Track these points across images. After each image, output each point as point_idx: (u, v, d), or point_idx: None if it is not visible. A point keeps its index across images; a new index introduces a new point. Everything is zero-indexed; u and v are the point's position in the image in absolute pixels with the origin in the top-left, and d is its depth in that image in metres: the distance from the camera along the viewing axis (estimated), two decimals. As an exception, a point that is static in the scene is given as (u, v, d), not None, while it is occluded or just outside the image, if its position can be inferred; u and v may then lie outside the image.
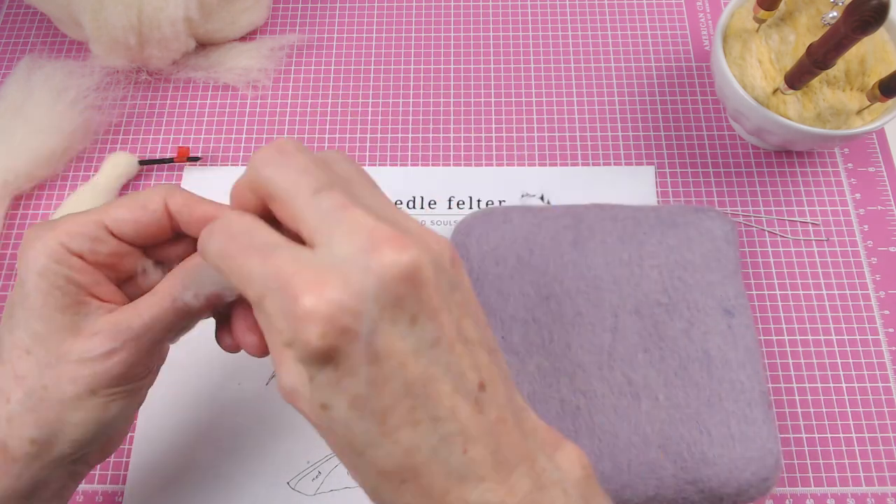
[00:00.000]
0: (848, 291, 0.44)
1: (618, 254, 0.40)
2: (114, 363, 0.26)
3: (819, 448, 0.40)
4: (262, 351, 0.27)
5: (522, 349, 0.38)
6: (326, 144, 0.49)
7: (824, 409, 0.41)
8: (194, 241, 0.27)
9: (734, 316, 0.39)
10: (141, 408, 0.32)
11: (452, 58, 0.52)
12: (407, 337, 0.22)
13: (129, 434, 0.40)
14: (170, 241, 0.29)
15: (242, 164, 0.48)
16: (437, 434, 0.22)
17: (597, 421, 0.36)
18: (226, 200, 0.29)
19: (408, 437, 0.22)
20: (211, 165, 0.48)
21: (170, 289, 0.27)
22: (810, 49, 0.38)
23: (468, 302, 0.24)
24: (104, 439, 0.28)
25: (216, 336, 0.29)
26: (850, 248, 0.45)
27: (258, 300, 0.22)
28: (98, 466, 0.40)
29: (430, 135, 0.49)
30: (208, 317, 0.29)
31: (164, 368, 0.32)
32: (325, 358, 0.21)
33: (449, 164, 0.48)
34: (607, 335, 0.38)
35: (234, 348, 0.28)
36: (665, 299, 0.39)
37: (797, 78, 0.40)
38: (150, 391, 0.31)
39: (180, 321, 0.27)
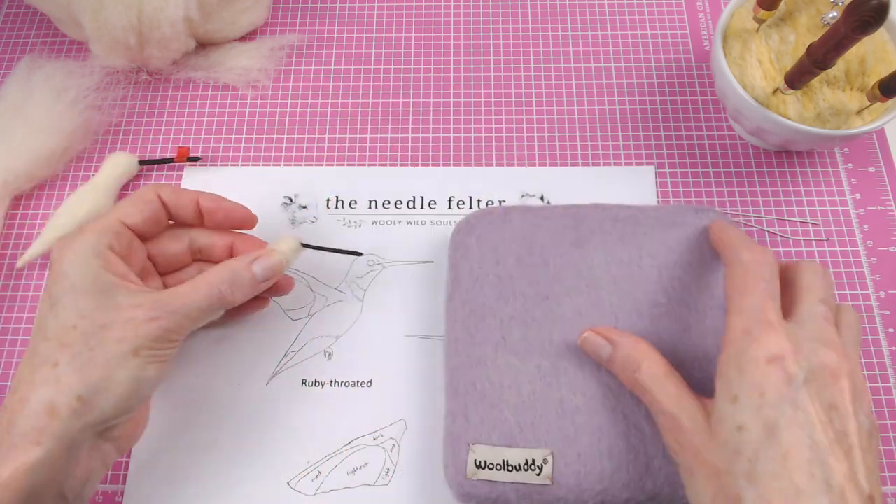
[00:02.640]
0: (848, 291, 0.44)
1: (618, 254, 0.40)
2: (154, 327, 0.32)
3: (819, 448, 0.40)
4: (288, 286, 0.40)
5: (522, 349, 0.38)
6: (326, 144, 0.49)
7: (824, 409, 0.41)
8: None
9: (734, 316, 0.39)
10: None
11: (452, 58, 0.52)
12: (819, 409, 0.27)
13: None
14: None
15: (242, 164, 0.48)
16: (824, 497, 0.26)
17: (596, 421, 0.36)
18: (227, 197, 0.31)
19: (801, 481, 0.26)
20: (211, 165, 0.48)
21: (209, 280, 0.34)
22: (810, 49, 0.38)
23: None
24: (135, 406, 0.32)
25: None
26: (850, 248, 0.45)
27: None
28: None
29: (430, 135, 0.49)
30: (221, 314, 0.37)
31: (164, 368, 0.33)
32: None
33: (449, 164, 0.48)
34: (607, 335, 0.38)
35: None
36: (665, 299, 0.39)
37: (797, 78, 0.40)
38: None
39: (209, 306, 0.34)
